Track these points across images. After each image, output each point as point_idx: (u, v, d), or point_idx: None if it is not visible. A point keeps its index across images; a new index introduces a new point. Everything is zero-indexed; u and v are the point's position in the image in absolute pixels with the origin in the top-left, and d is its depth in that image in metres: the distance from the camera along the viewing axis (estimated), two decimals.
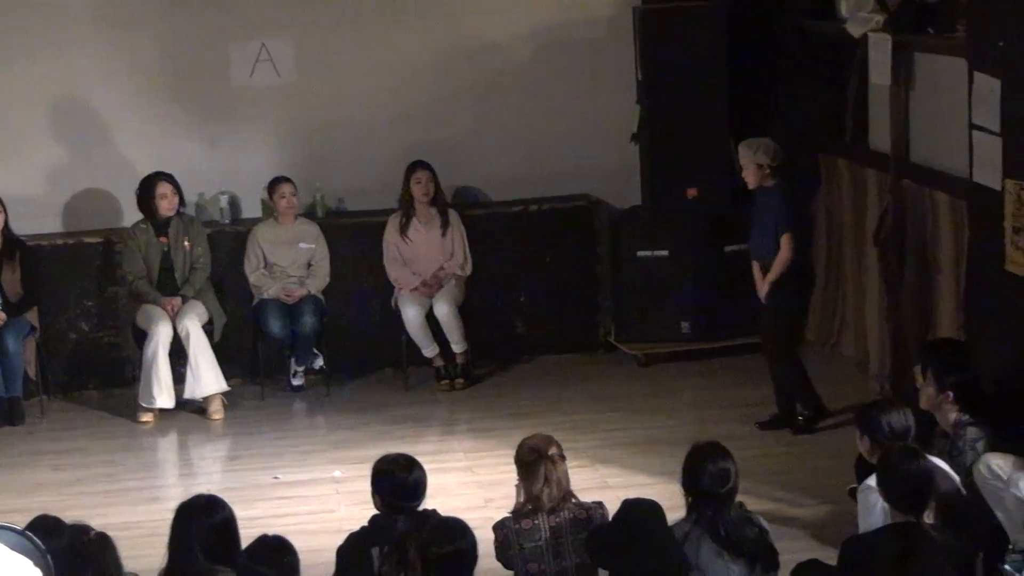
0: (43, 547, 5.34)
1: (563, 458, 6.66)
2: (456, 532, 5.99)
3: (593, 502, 6.68)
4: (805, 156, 11.20)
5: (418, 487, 6.53)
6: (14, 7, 10.98)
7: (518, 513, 6.63)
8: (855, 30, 10.01)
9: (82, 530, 6.10)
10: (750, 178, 9.61)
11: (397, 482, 6.53)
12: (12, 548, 5.18)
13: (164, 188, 10.62)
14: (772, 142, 9.59)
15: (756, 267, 9.72)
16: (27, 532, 5.39)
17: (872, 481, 6.57)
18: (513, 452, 6.84)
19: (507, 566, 6.64)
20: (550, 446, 6.63)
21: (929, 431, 7.45)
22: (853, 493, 7.25)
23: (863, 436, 7.09)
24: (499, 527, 6.65)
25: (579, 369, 11.18)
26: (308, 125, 11.37)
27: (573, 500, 6.64)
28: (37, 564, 5.25)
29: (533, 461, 6.60)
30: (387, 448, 7.31)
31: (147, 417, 10.47)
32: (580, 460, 8.74)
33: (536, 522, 6.57)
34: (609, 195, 11.57)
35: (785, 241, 9.44)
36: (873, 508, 6.62)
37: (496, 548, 6.64)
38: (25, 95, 11.10)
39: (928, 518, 6.30)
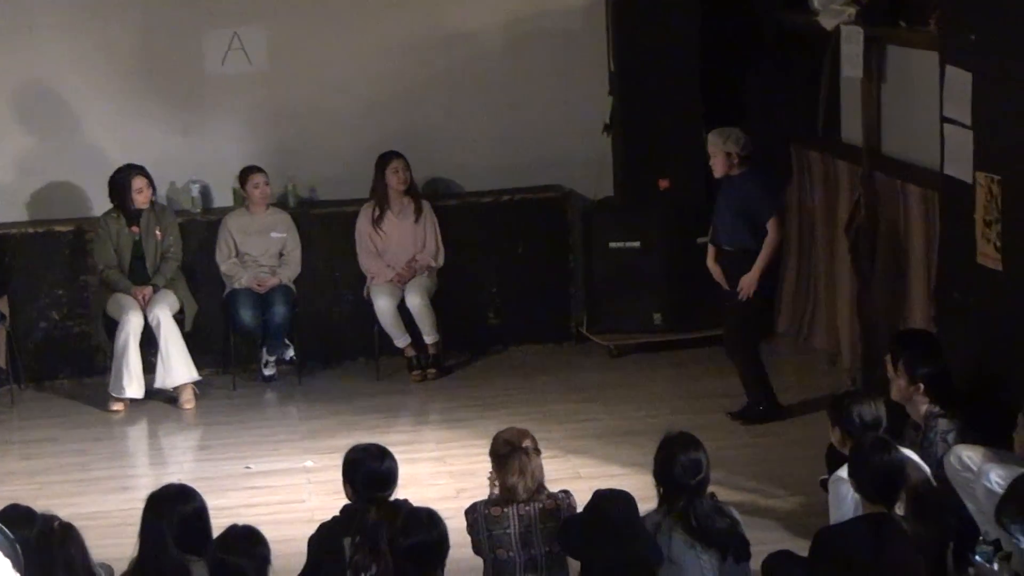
0: (11, 536, 5.32)
1: (538, 452, 6.66)
2: (427, 522, 5.99)
3: (560, 491, 6.68)
4: (777, 147, 11.22)
5: (390, 477, 6.53)
6: None
7: (489, 501, 6.64)
8: (827, 22, 10.03)
9: (49, 520, 6.09)
10: (718, 166, 9.60)
11: (369, 471, 6.52)
12: None
13: (140, 183, 10.58)
14: (741, 132, 9.59)
15: (712, 251, 9.75)
16: None
17: (843, 472, 6.60)
18: (485, 442, 6.84)
19: (476, 550, 6.64)
20: (524, 438, 6.64)
21: (900, 423, 7.48)
22: (825, 484, 7.27)
23: (835, 427, 7.12)
24: (470, 511, 6.67)
25: (551, 360, 11.18)
26: (280, 114, 11.35)
27: (544, 492, 6.65)
28: (6, 554, 5.24)
29: (508, 453, 6.60)
30: (359, 438, 7.30)
31: (118, 406, 10.45)
32: (552, 451, 8.72)
33: (505, 510, 6.57)
34: (581, 186, 11.56)
35: (772, 226, 9.43)
36: (844, 499, 6.65)
37: (468, 530, 6.65)
38: None
39: (899, 509, 6.33)
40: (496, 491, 6.65)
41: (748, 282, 9.50)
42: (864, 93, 9.92)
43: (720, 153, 9.55)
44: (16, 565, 5.20)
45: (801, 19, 10.55)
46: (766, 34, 11.38)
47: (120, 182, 10.61)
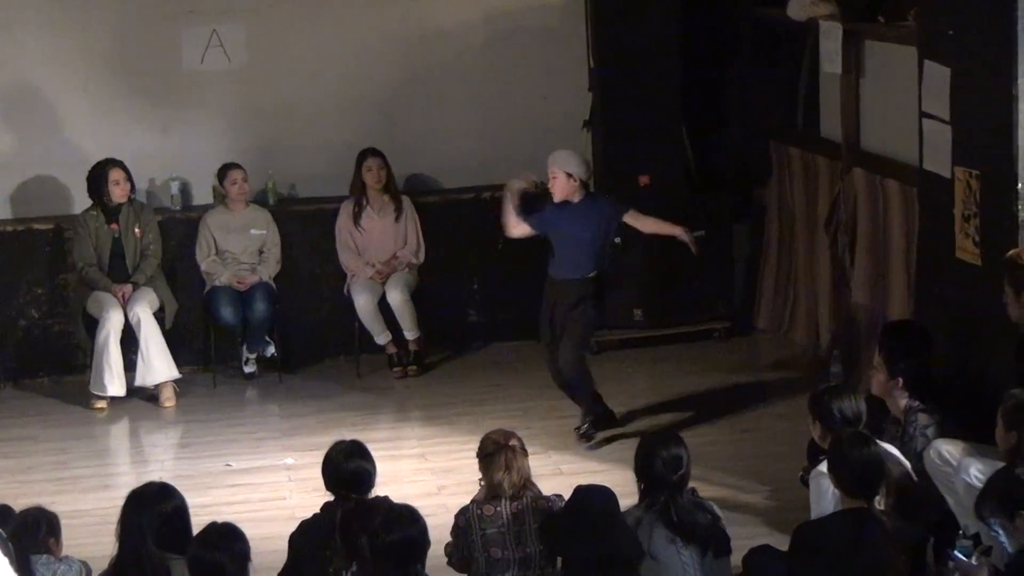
0: (3, 536, 5.31)
1: (524, 452, 6.67)
2: (406, 519, 5.99)
3: (554, 495, 6.68)
4: (757, 143, 11.25)
5: (357, 476, 6.52)
6: None
7: (480, 500, 6.64)
8: (796, 13, 10.05)
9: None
10: (558, 189, 9.27)
11: (336, 470, 6.55)
12: None
13: (117, 175, 10.57)
14: (584, 158, 9.46)
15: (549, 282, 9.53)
16: None
17: (823, 467, 6.61)
18: (466, 439, 6.87)
19: (465, 554, 6.62)
20: (511, 438, 6.66)
21: (880, 417, 7.50)
22: (805, 479, 7.29)
23: (815, 422, 7.13)
24: (461, 513, 6.66)
25: (532, 356, 11.14)
26: (259, 111, 11.33)
27: (532, 491, 6.65)
28: (4, 553, 5.23)
29: (494, 452, 6.61)
30: (339, 435, 7.29)
31: (100, 404, 10.42)
32: (533, 447, 8.62)
33: (498, 508, 6.58)
34: None
35: (635, 214, 9.40)
36: (824, 494, 6.66)
37: (454, 535, 6.64)
38: None
39: (879, 504, 6.35)
40: (483, 492, 6.65)
41: (681, 230, 9.44)
42: (843, 89, 9.93)
43: (561, 174, 9.23)
44: (5, 554, 5.20)
45: (781, 14, 10.55)
46: (745, 30, 11.39)
47: (97, 175, 10.59)
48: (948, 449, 6.97)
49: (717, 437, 9.29)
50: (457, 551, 6.67)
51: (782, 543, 6.60)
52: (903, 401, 7.44)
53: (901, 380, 7.43)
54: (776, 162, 11.12)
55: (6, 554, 5.18)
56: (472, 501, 6.68)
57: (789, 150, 10.93)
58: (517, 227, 9.49)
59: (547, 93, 11.44)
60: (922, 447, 7.14)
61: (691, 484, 6.47)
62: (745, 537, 7.09)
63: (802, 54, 10.59)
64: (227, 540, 5.87)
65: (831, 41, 9.85)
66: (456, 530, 6.65)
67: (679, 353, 10.98)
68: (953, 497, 6.91)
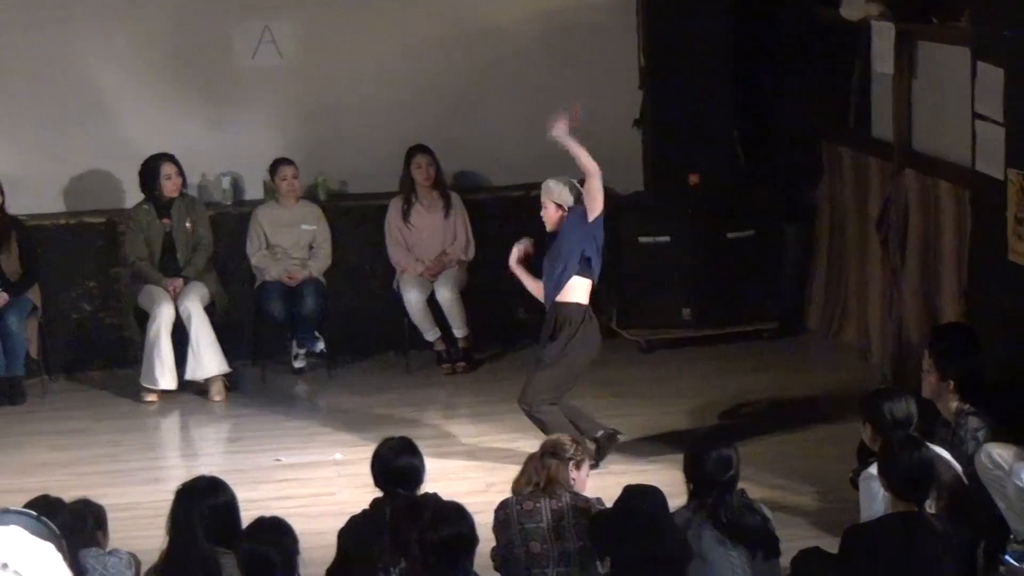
0: (58, 532, 5.34)
1: (575, 462, 6.72)
2: (454, 516, 6.00)
3: (594, 497, 6.71)
4: (807, 143, 11.21)
5: (407, 472, 6.55)
6: None
7: (520, 494, 6.67)
8: (849, 13, 10.02)
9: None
10: (547, 219, 9.03)
11: (386, 466, 6.57)
12: (31, 533, 5.18)
13: (169, 169, 10.63)
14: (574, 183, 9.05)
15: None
16: (43, 518, 5.38)
17: (874, 469, 6.58)
18: (514, 437, 6.89)
19: (506, 549, 6.64)
20: (568, 448, 6.72)
21: (931, 420, 7.47)
22: (854, 481, 7.26)
23: (866, 424, 7.11)
24: (501, 507, 6.70)
25: None
26: (311, 107, 11.37)
27: (569, 492, 6.68)
28: (58, 549, 5.25)
29: (544, 454, 6.69)
30: (388, 432, 7.33)
31: (151, 397, 10.48)
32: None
33: (538, 505, 6.61)
34: (611, 181, 11.42)
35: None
36: (875, 496, 6.64)
37: (495, 530, 6.66)
38: (27, 74, 11.10)
39: (930, 507, 6.32)
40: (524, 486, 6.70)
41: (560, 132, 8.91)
42: (895, 89, 9.90)
43: (551, 204, 8.98)
44: (59, 549, 5.22)
45: (833, 14, 10.52)
46: (798, 29, 11.36)
47: (150, 169, 10.65)
48: (999, 452, 6.94)
49: (766, 438, 9.26)
50: (498, 547, 6.69)
51: (831, 545, 6.58)
52: (954, 404, 7.41)
53: (952, 383, 7.39)
54: (827, 162, 11.08)
55: (59, 549, 5.20)
56: (512, 495, 6.71)
57: (840, 150, 10.89)
58: (540, 290, 9.16)
59: (598, 91, 11.41)
60: (973, 450, 7.11)
61: (740, 485, 6.45)
62: (794, 539, 7.07)
63: (854, 54, 10.55)
64: (275, 534, 5.90)
65: (884, 41, 9.81)
66: (496, 524, 6.68)
67: (728, 353, 10.95)
68: (1004, 501, 6.88)
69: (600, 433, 8.90)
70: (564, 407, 8.94)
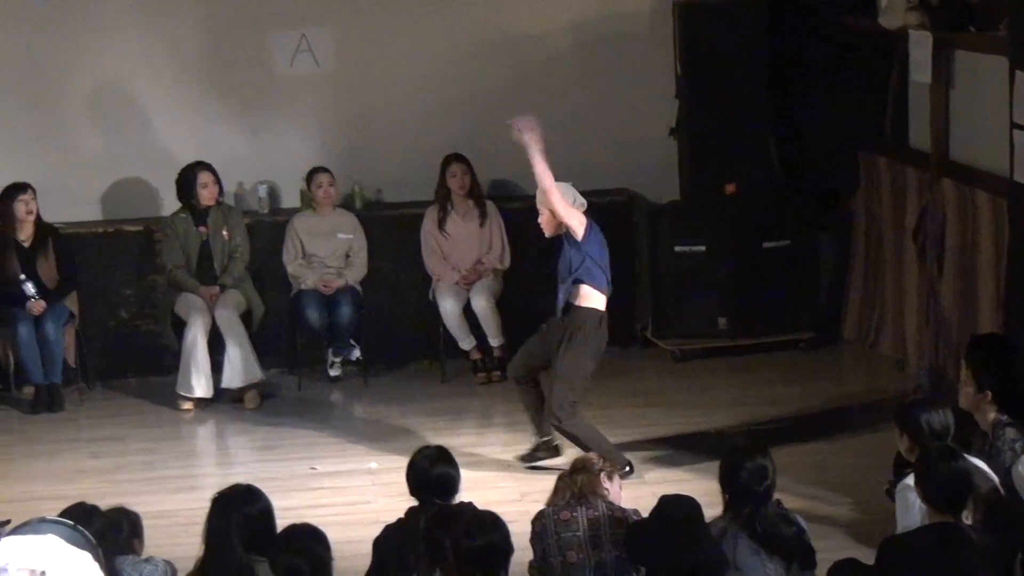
0: (95, 541, 5.35)
1: (608, 475, 6.72)
2: (489, 525, 6.00)
3: (631, 508, 6.70)
4: (843, 152, 11.18)
5: (441, 482, 6.56)
6: None
7: (556, 505, 6.67)
8: (887, 22, 9.99)
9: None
10: (547, 225, 8.92)
11: (421, 475, 6.58)
12: (68, 542, 5.19)
13: (206, 177, 10.67)
14: (575, 191, 9.01)
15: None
16: (80, 527, 5.40)
17: (910, 480, 6.55)
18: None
19: (542, 559, 6.64)
20: (597, 462, 6.74)
21: (968, 431, 7.42)
22: (890, 492, 7.23)
23: (902, 435, 7.07)
24: (537, 518, 6.70)
25: (615, 364, 11.11)
26: (347, 116, 11.40)
27: (604, 501, 6.67)
28: (94, 558, 5.27)
29: (578, 468, 6.71)
30: (423, 440, 7.35)
31: (187, 405, 10.51)
32: None
33: (574, 514, 6.61)
34: (647, 189, 11.56)
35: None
36: (911, 507, 6.60)
37: (532, 542, 6.65)
38: (65, 82, 11.16)
39: (967, 519, 6.29)
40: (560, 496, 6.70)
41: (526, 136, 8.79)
42: (932, 99, 9.87)
43: (545, 211, 8.89)
44: (96, 558, 5.23)
45: (869, 23, 10.50)
46: (834, 38, 11.33)
47: (187, 178, 10.70)
48: None
49: (801, 448, 9.23)
50: (535, 559, 6.69)
51: (867, 557, 6.55)
52: (991, 415, 7.36)
53: (990, 393, 7.35)
54: (864, 172, 11.05)
55: (96, 559, 5.22)
56: (548, 505, 6.71)
57: (877, 160, 10.86)
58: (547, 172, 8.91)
59: (634, 100, 11.43)
60: (1010, 461, 7.07)
61: (776, 495, 6.43)
62: (829, 550, 7.04)
63: (891, 63, 10.52)
64: (306, 542, 5.88)
65: (921, 50, 9.78)
66: (533, 535, 6.68)
67: (763, 363, 10.93)
68: None
69: (546, 439, 9.07)
70: (526, 397, 9.12)
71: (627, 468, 8.71)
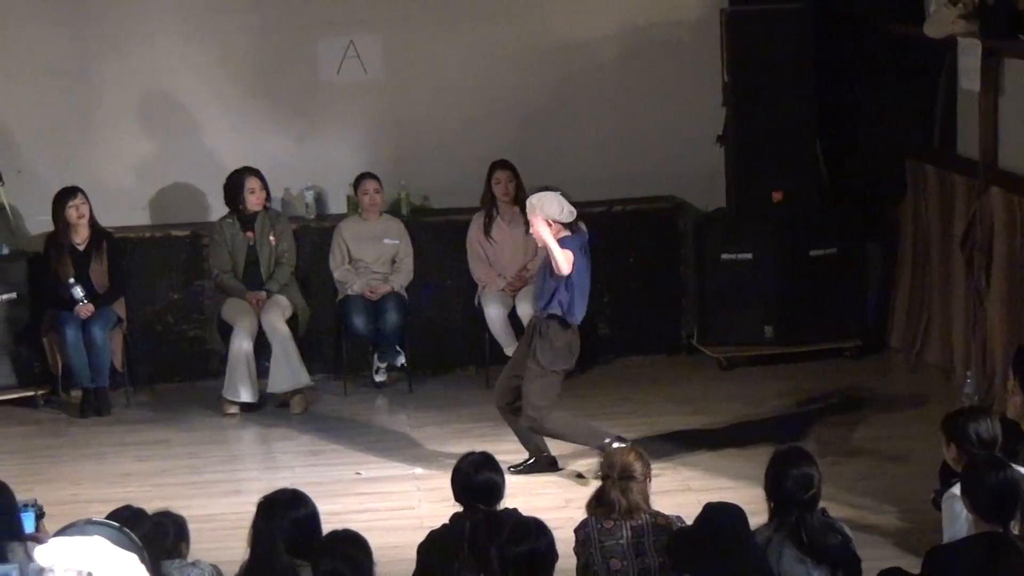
0: (140, 543, 5.38)
1: (646, 477, 6.69)
2: (534, 531, 5.98)
3: (675, 515, 6.68)
4: (891, 161, 11.14)
5: (486, 488, 6.55)
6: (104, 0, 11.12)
7: (598, 513, 6.66)
8: (934, 31, 9.95)
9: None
10: (538, 234, 8.85)
11: (466, 481, 6.58)
12: (114, 544, 5.23)
13: (253, 183, 10.72)
14: (564, 199, 8.97)
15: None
16: (125, 529, 5.43)
17: (957, 490, 6.52)
18: (594, 453, 6.85)
19: (585, 568, 6.63)
20: (634, 465, 6.69)
21: (1016, 441, 7.38)
22: (937, 502, 7.20)
23: (949, 444, 7.04)
24: (581, 527, 6.67)
25: (661, 371, 11.16)
26: (394, 122, 11.43)
27: (650, 511, 6.65)
28: (140, 560, 5.30)
29: (609, 476, 6.67)
30: (468, 446, 7.34)
31: (232, 410, 10.55)
32: (661, 463, 8.73)
33: (618, 522, 6.59)
34: (694, 197, 11.54)
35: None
36: (958, 517, 6.57)
37: (576, 549, 6.65)
38: (115, 88, 11.23)
39: (1014, 528, 6.25)
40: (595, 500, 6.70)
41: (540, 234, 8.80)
42: (981, 106, 9.82)
43: (537, 220, 8.83)
44: (142, 560, 5.26)
45: (917, 30, 10.46)
46: (881, 45, 11.29)
47: (234, 183, 10.75)
48: None
49: (846, 456, 9.21)
50: (579, 568, 6.67)
51: (913, 566, 6.52)
52: None
53: None
54: (912, 180, 11.00)
55: (142, 560, 5.25)
56: (591, 514, 6.69)
57: (925, 168, 10.81)
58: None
59: (680, 107, 11.42)
60: None
61: (821, 504, 6.41)
62: (875, 559, 6.99)
63: (939, 71, 10.48)
64: (347, 547, 5.87)
65: (970, 58, 9.73)
66: (577, 544, 6.66)
67: (809, 371, 10.89)
68: None
69: (544, 455, 9.21)
70: (513, 424, 9.23)
71: (608, 440, 8.80)
